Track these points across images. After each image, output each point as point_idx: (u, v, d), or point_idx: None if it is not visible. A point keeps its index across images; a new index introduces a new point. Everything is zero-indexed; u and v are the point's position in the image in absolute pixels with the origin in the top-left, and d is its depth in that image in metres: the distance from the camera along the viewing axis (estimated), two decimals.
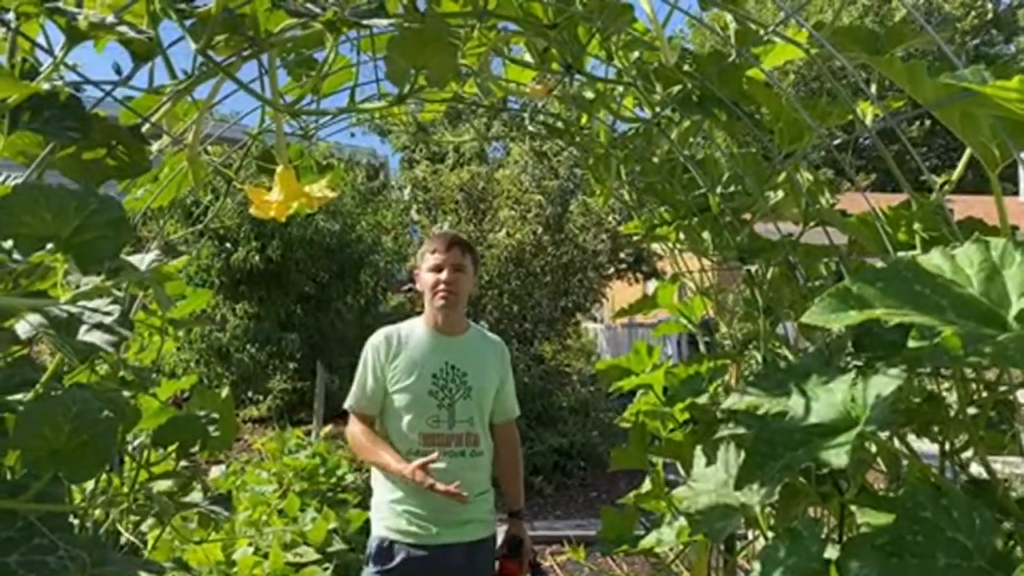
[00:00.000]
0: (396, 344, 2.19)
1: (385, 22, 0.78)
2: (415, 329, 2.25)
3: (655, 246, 2.17)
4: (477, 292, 8.09)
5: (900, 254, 1.05)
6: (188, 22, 0.98)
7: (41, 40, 0.90)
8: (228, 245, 6.86)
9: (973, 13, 21.37)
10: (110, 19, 0.74)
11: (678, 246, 1.93)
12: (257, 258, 6.82)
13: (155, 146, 1.29)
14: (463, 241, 2.28)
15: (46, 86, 0.70)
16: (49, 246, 0.64)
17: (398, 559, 2.10)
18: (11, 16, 0.73)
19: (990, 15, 21.47)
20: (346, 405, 2.24)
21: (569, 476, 6.23)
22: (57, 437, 0.71)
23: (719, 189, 1.61)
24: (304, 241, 6.81)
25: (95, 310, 0.79)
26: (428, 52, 0.86)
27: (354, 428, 2.20)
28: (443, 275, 2.19)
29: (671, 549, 2.17)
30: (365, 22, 0.79)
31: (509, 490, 2.37)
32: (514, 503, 2.36)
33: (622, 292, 12.92)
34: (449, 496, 1.98)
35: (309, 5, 0.81)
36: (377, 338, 2.23)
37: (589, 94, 1.69)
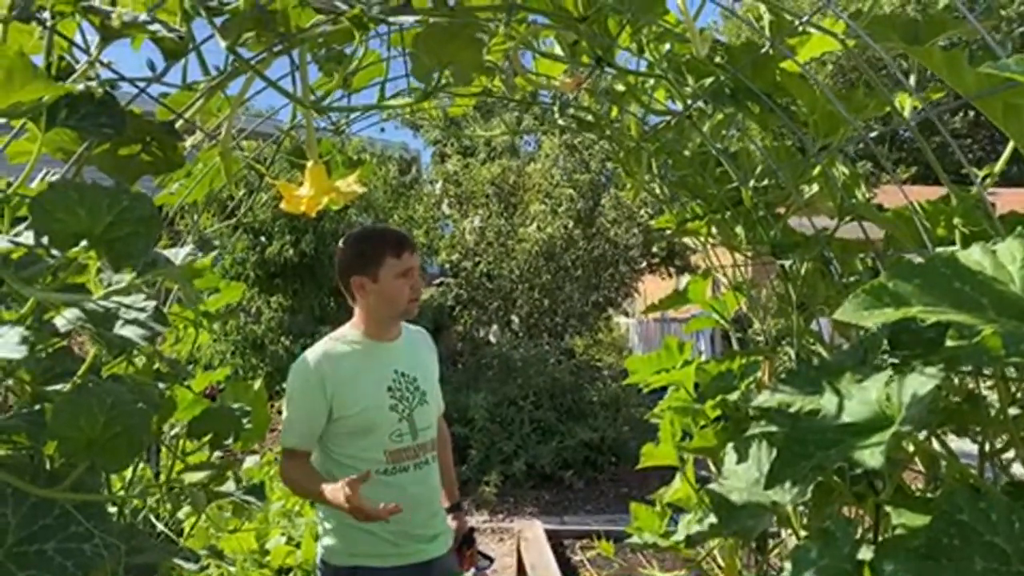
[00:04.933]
0: (336, 365, 1.94)
1: (412, 19, 0.78)
2: (349, 343, 2.02)
3: (688, 240, 2.13)
4: (508, 287, 8.11)
5: (939, 249, 1.02)
6: (219, 19, 0.99)
7: (77, 38, 0.92)
8: (262, 239, 6.97)
9: (1018, 0, 20.71)
10: (143, 17, 0.75)
11: (710, 240, 1.91)
12: (291, 252, 6.92)
13: (188, 141, 1.31)
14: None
15: (81, 86, 0.71)
16: (83, 243, 0.65)
17: None
18: (47, 15, 0.75)
19: None
20: (288, 445, 1.96)
21: (600, 471, 6.21)
22: (92, 428, 0.73)
23: (752, 182, 1.59)
24: (337, 235, 6.89)
25: (130, 306, 0.80)
26: (453, 48, 0.86)
27: (292, 473, 1.96)
28: (413, 281, 1.97)
29: (702, 546, 2.15)
30: (392, 19, 0.78)
31: (448, 484, 2.22)
32: (455, 496, 2.25)
33: (654, 286, 12.81)
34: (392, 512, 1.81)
35: (337, 2, 0.81)
36: (312, 364, 1.95)
37: (620, 87, 1.67)
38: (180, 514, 2.37)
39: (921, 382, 0.89)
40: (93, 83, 0.73)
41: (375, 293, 1.97)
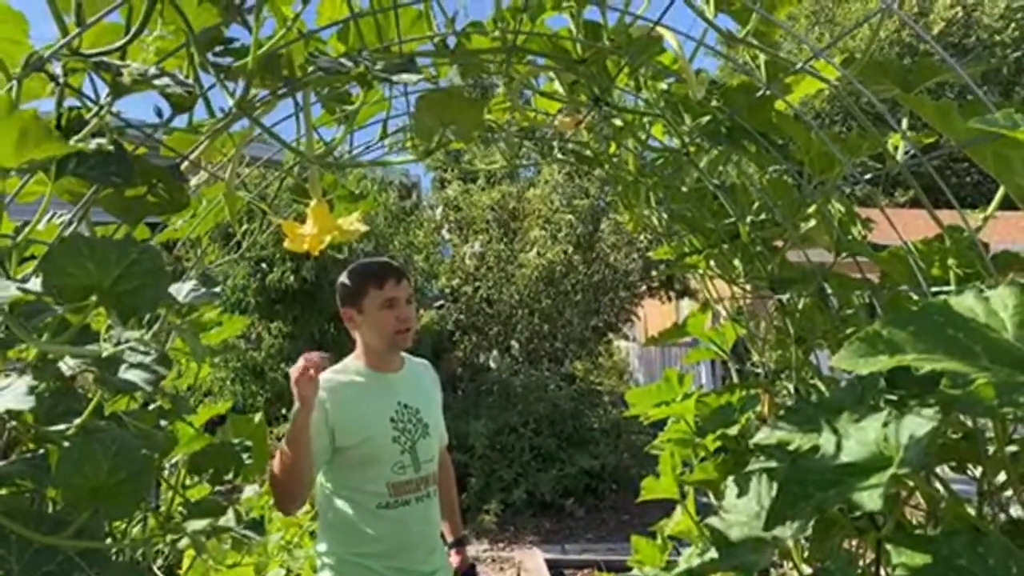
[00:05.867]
0: (339, 396, 1.94)
1: (415, 78, 0.80)
2: (352, 374, 2.03)
3: None
4: (508, 312, 8.12)
5: (934, 289, 1.03)
6: (226, 60, 1.01)
7: (86, 81, 0.94)
8: (263, 266, 6.99)
9: (1013, 25, 20.97)
10: (152, 71, 0.77)
11: (709, 273, 1.92)
12: (292, 278, 6.94)
13: (193, 180, 1.33)
14: (403, 269, 2.10)
15: (92, 144, 0.73)
16: (92, 297, 0.67)
17: None
18: (59, 70, 0.77)
19: None
20: None
21: (600, 499, 6.17)
22: (97, 475, 0.74)
23: (749, 217, 1.60)
24: (338, 262, 6.91)
25: (135, 350, 0.81)
26: (454, 110, 0.88)
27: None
28: (400, 311, 1.99)
29: None
30: (395, 78, 0.80)
31: (452, 518, 2.23)
32: (458, 531, 2.24)
33: (654, 310, 12.81)
34: (309, 376, 1.74)
35: (342, 60, 0.83)
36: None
37: (618, 122, 1.70)
38: (180, 544, 2.36)
39: (918, 423, 0.89)
40: (103, 140, 0.75)
41: (364, 324, 2.01)
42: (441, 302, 8.85)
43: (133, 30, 0.79)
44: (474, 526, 5.59)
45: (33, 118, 0.60)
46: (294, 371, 1.76)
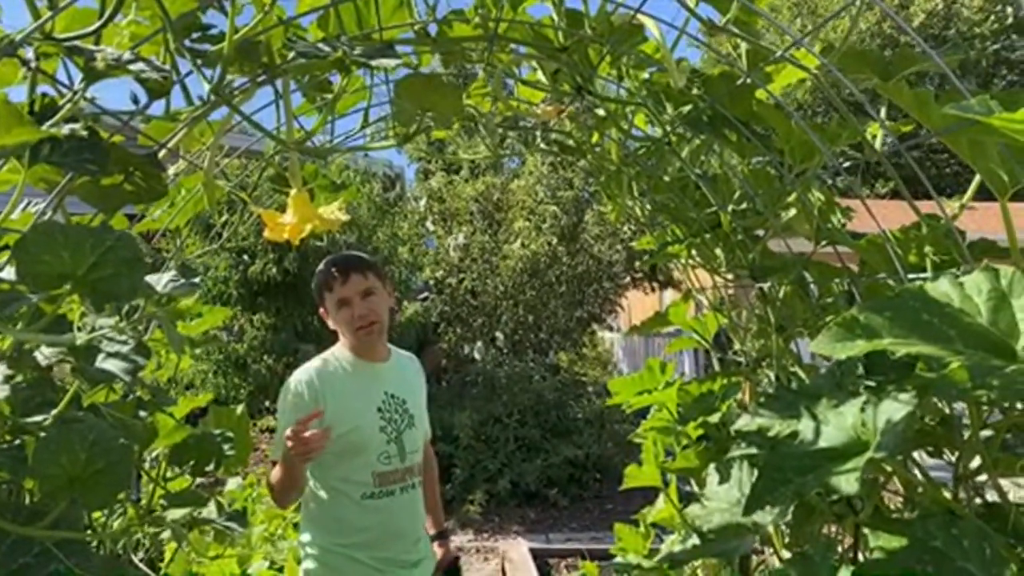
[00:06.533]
0: (328, 383, 1.96)
1: (394, 62, 0.79)
2: (340, 363, 2.04)
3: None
4: (492, 303, 8.12)
5: (911, 276, 1.05)
6: (204, 47, 1.00)
7: (61, 70, 0.93)
8: (245, 257, 6.93)
9: (992, 18, 21.18)
10: (127, 56, 0.75)
11: (691, 262, 1.93)
12: (274, 270, 6.89)
13: (171, 169, 1.31)
14: (362, 262, 2.05)
15: (65, 129, 0.72)
16: (67, 285, 0.66)
17: None
18: (31, 55, 0.75)
19: (1010, 19, 21.23)
20: (276, 458, 1.96)
21: (584, 488, 6.20)
22: (74, 465, 0.73)
23: (731, 207, 1.61)
24: (321, 253, 6.87)
25: (112, 338, 0.80)
26: (434, 96, 0.87)
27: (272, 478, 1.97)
28: (355, 309, 1.99)
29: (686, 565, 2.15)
30: (374, 62, 0.80)
31: (435, 511, 2.24)
32: (441, 524, 2.26)
33: (637, 301, 12.86)
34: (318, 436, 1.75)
35: (320, 45, 0.82)
36: (305, 379, 1.97)
37: (600, 111, 1.69)
38: (162, 536, 2.34)
39: (895, 408, 0.90)
40: (77, 125, 0.73)
41: (332, 320, 2.05)
42: (425, 294, 8.84)
43: (107, 14, 0.77)
44: (459, 516, 5.61)
45: (4, 103, 0.59)
46: (293, 437, 1.76)
